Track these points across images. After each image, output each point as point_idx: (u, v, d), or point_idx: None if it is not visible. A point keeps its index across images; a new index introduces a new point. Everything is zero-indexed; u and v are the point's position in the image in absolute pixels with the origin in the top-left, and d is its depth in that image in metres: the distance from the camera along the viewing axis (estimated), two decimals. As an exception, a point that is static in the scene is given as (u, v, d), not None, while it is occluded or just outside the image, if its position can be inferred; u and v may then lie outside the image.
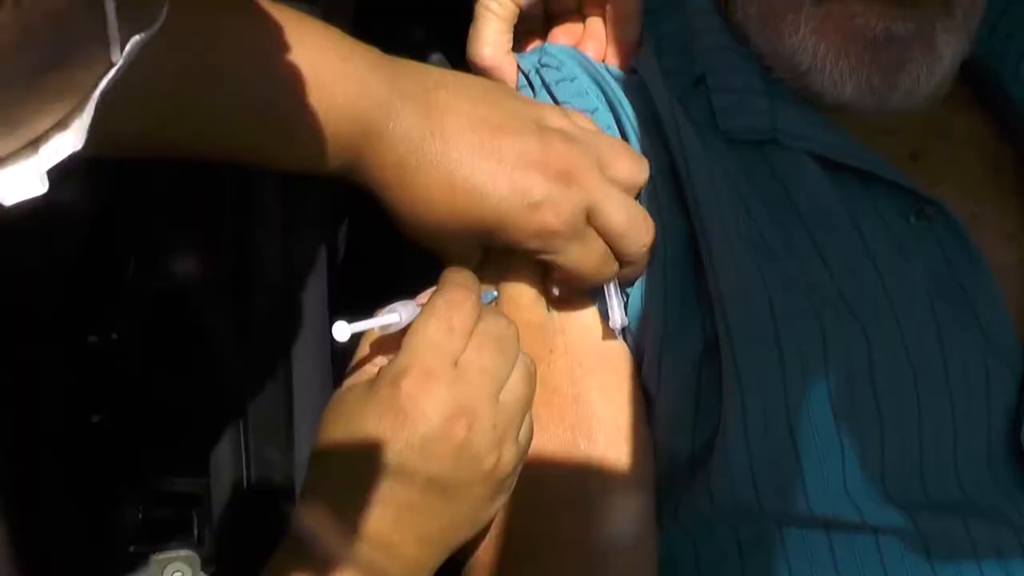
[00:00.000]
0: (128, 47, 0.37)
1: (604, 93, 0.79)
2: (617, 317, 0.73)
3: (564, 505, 0.73)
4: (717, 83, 0.80)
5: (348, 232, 0.95)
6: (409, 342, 0.65)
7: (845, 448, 0.73)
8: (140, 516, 0.76)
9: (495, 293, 0.76)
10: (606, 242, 0.71)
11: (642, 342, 0.75)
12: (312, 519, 0.61)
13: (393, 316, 0.68)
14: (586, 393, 0.74)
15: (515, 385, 0.68)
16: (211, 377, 0.81)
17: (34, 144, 0.39)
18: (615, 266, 0.72)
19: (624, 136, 0.77)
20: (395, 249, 0.84)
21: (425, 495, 0.63)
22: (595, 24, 0.83)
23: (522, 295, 0.76)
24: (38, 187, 0.39)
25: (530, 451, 0.71)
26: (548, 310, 0.76)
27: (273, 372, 0.79)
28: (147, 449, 0.78)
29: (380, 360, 0.69)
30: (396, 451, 0.63)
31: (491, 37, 0.79)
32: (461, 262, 0.72)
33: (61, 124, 0.39)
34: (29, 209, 0.72)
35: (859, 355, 0.73)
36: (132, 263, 0.82)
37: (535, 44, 0.84)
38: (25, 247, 0.77)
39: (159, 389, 0.82)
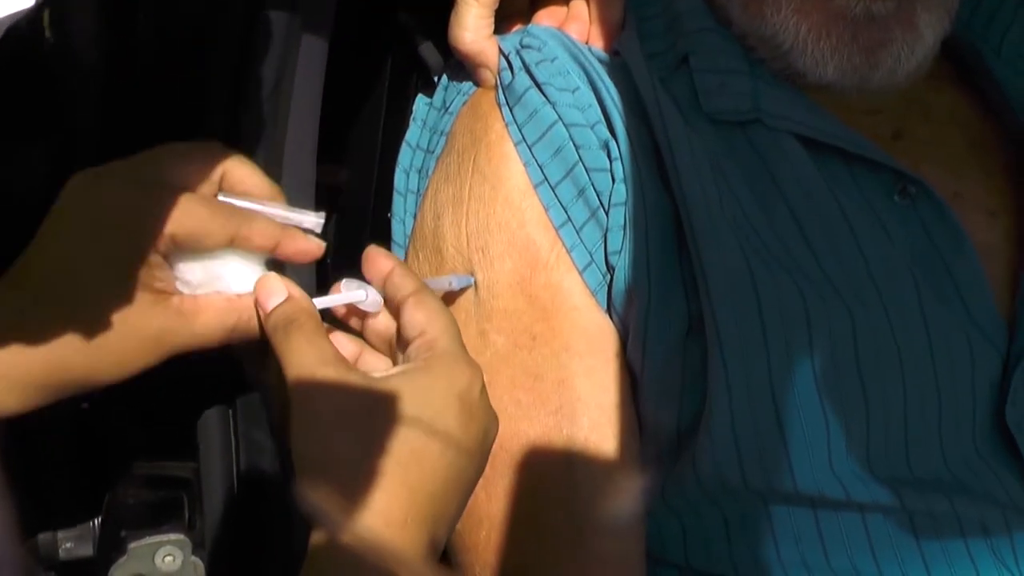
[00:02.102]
0: None
1: (586, 74, 0.79)
2: None
3: (549, 490, 0.74)
4: (700, 64, 0.80)
5: (336, 227, 0.96)
6: (446, 326, 0.66)
7: (830, 425, 0.73)
8: (130, 500, 0.75)
9: (472, 279, 0.76)
10: None
11: (627, 320, 0.75)
12: (322, 499, 0.60)
13: (360, 293, 0.68)
14: (571, 377, 0.74)
15: None
16: (199, 360, 0.76)
17: None
18: None
19: (607, 116, 0.77)
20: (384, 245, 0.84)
21: (443, 468, 0.63)
22: (579, 6, 0.83)
23: (498, 282, 0.76)
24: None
25: (514, 437, 0.72)
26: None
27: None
28: (137, 433, 0.78)
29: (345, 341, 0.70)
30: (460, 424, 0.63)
31: (471, 23, 0.80)
32: None
33: None
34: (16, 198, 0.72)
35: (843, 333, 0.73)
36: None
37: (519, 27, 0.84)
38: (12, 237, 0.77)
39: (148, 373, 0.79)
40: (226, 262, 0.66)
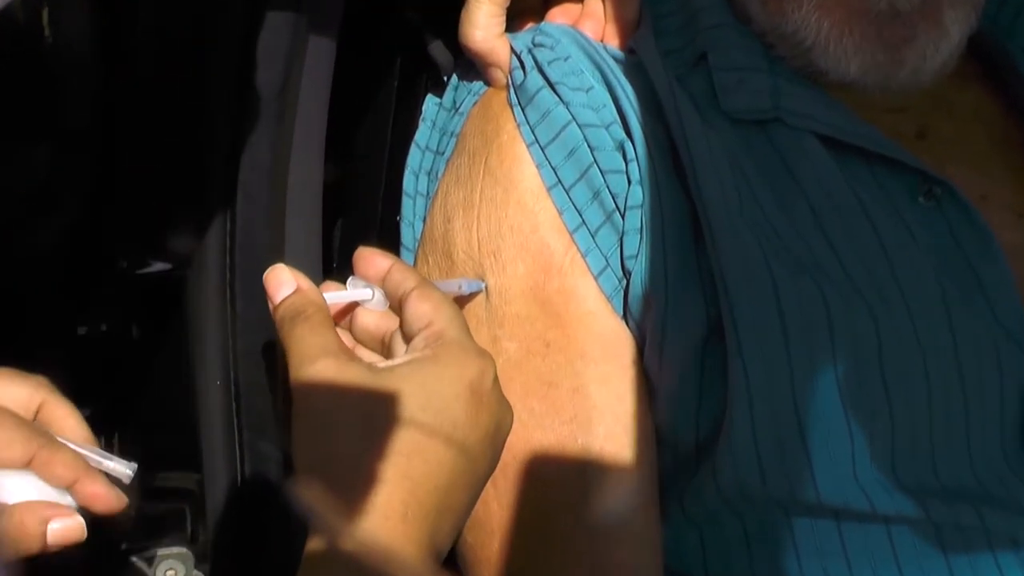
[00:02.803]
0: None
1: (601, 72, 0.78)
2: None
3: (563, 500, 0.73)
4: (718, 61, 0.79)
5: (343, 230, 0.96)
6: (452, 317, 0.65)
7: (854, 434, 0.72)
8: (132, 512, 0.73)
9: (483, 284, 0.75)
10: None
11: (644, 325, 0.74)
12: (319, 491, 0.59)
13: (367, 292, 0.68)
14: (586, 385, 0.74)
15: None
16: (203, 368, 0.80)
17: None
18: None
19: (622, 116, 0.76)
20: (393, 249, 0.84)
21: (449, 467, 0.62)
22: (593, 3, 0.82)
23: (510, 287, 0.75)
24: None
25: (527, 446, 0.71)
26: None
27: (267, 363, 0.78)
28: (139, 443, 0.77)
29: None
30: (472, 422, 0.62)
31: (482, 20, 0.79)
32: None
33: None
34: (16, 198, 0.72)
35: (867, 337, 0.72)
36: (121, 253, 0.81)
37: (532, 25, 0.83)
38: (12, 238, 0.76)
39: (150, 381, 0.81)
40: (23, 478, 0.62)
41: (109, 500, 0.63)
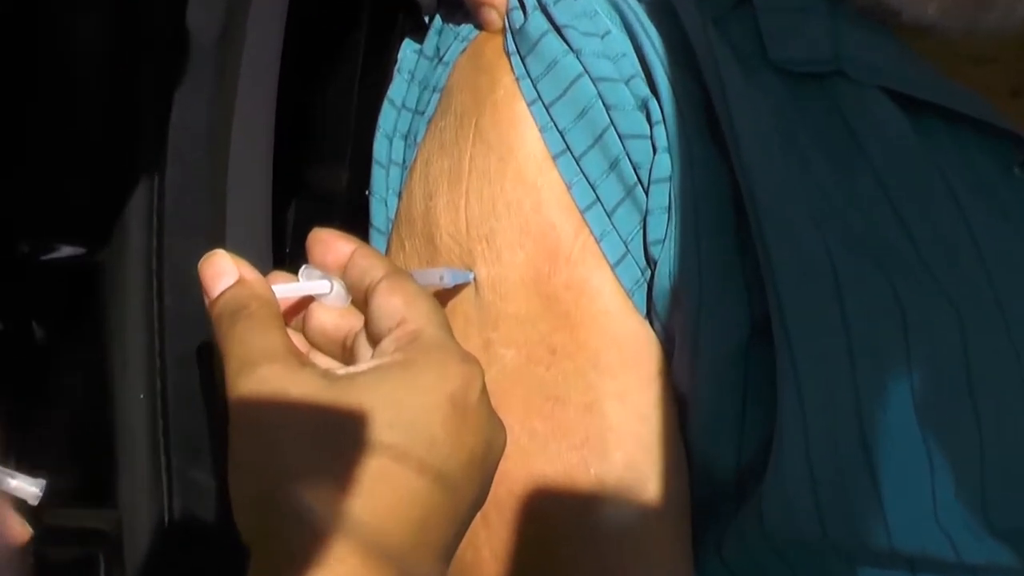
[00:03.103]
0: None
1: (620, 14, 0.71)
2: None
3: (573, 541, 0.68)
4: (765, 1, 0.72)
5: (297, 209, 0.92)
6: (430, 313, 0.62)
7: (935, 463, 0.65)
8: (31, 560, 0.66)
9: (470, 274, 0.71)
10: None
11: (672, 326, 0.68)
12: (258, 526, 0.55)
13: (324, 284, 0.64)
14: (600, 401, 0.69)
15: None
16: (122, 378, 0.75)
17: None
18: None
19: (647, 68, 0.70)
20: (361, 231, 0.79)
21: (437, 483, 0.58)
22: (613, -68, 0.76)
23: (507, 279, 0.70)
24: None
25: (527, 477, 0.68)
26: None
27: (201, 371, 0.74)
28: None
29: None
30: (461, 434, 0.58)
31: None
32: None
33: None
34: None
35: (949, 341, 0.66)
36: (20, 234, 0.76)
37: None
38: None
39: (56, 394, 0.77)
40: None
41: (12, 529, 0.59)
